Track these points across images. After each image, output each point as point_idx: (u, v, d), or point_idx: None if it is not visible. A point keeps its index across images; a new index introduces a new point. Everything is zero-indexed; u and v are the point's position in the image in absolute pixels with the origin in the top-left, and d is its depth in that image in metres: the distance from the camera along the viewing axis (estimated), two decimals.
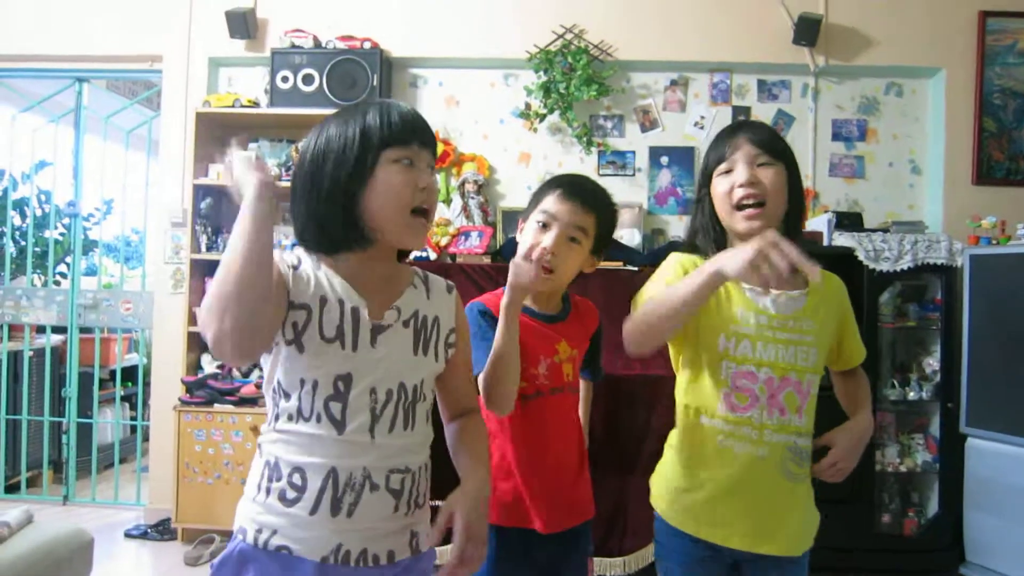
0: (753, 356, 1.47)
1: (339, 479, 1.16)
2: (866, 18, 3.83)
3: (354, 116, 1.22)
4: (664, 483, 1.58)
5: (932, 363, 3.50)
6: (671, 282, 1.44)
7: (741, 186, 1.46)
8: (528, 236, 1.67)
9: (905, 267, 3.34)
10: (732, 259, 1.25)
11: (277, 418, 1.21)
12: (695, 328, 1.50)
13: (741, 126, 1.55)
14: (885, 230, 3.50)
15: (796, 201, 1.52)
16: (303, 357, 1.18)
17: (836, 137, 3.95)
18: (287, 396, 1.20)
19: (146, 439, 4.11)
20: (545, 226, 1.64)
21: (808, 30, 3.72)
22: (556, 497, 1.67)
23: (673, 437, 1.60)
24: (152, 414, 4.01)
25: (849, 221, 3.57)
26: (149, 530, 3.68)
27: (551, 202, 1.66)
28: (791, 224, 1.52)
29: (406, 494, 1.22)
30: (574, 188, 1.67)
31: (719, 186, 1.50)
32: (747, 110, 3.95)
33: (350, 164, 1.19)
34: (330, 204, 1.20)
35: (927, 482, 3.53)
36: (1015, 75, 3.82)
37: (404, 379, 1.23)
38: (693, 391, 1.53)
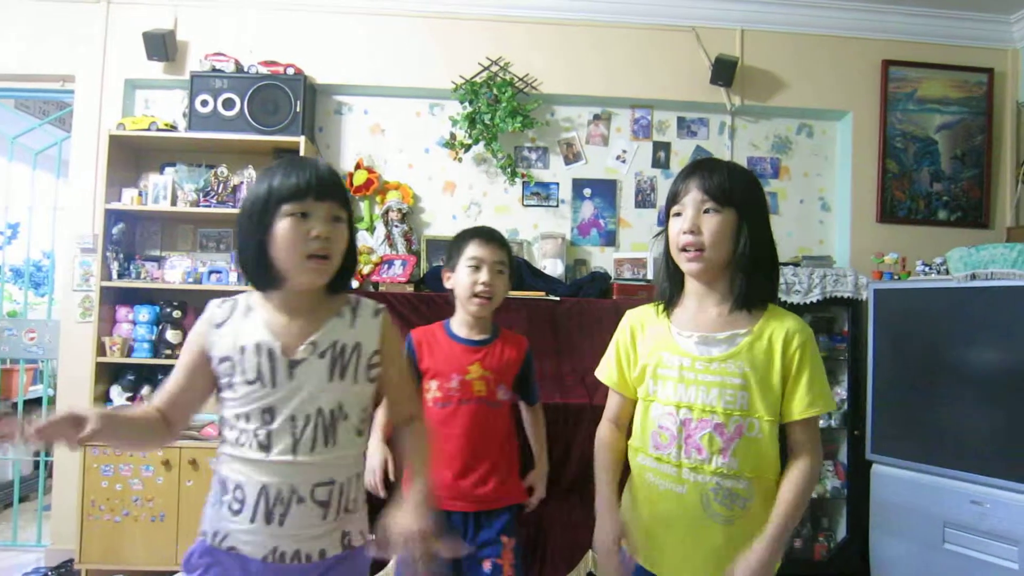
0: (673, 397, 1.54)
1: (270, 494, 1.38)
2: (779, 62, 4.01)
3: (268, 175, 1.42)
4: (623, 513, 1.67)
5: (840, 392, 3.64)
6: (611, 366, 1.70)
7: (684, 232, 1.53)
8: (464, 278, 2.14)
9: (814, 299, 3.49)
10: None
11: (224, 443, 1.44)
12: (633, 374, 1.64)
13: (696, 169, 1.56)
14: (796, 264, 3.64)
15: (755, 242, 1.52)
16: (235, 397, 1.41)
17: None
18: (229, 427, 1.43)
19: (49, 476, 3.90)
20: (476, 268, 2.13)
21: (725, 71, 3.87)
22: (461, 483, 2.09)
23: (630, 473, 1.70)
24: (56, 449, 3.81)
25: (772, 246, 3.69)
26: (50, 572, 3.49)
27: (475, 248, 2.15)
28: (744, 264, 1.52)
29: (334, 503, 1.43)
30: (490, 234, 2.20)
31: (671, 227, 1.58)
32: (667, 145, 4.07)
33: (256, 219, 1.40)
34: (247, 253, 1.43)
35: (836, 507, 3.66)
36: (915, 120, 4.05)
37: (321, 404, 1.41)
38: (636, 431, 1.64)
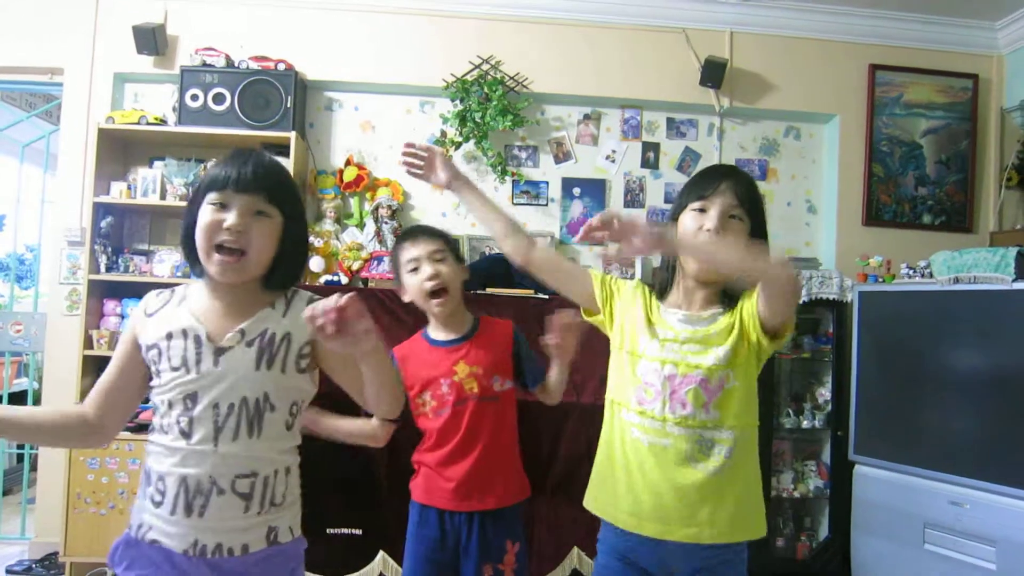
0: (659, 355, 1.58)
1: (189, 485, 1.36)
2: (768, 65, 4.05)
3: (214, 165, 1.45)
4: (593, 478, 1.72)
5: (824, 393, 3.68)
6: (600, 275, 1.74)
7: (708, 231, 1.55)
8: (412, 283, 2.09)
9: (800, 301, 3.51)
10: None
11: (152, 431, 1.42)
12: (622, 335, 1.66)
13: (729, 174, 1.61)
14: None
15: None
16: (161, 383, 1.40)
17: None
18: (156, 413, 1.42)
19: (33, 469, 3.89)
20: (415, 269, 2.07)
21: (714, 73, 3.90)
22: (460, 482, 2.05)
23: (602, 432, 1.71)
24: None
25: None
26: (34, 565, 3.48)
27: (407, 250, 2.10)
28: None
29: (257, 496, 1.40)
30: (414, 231, 2.18)
31: (689, 220, 1.60)
32: (656, 146, 4.10)
33: (190, 206, 1.43)
34: (183, 238, 1.44)
35: (819, 507, 3.70)
36: (900, 125, 4.10)
37: (246, 393, 1.39)
38: (616, 389, 1.67)
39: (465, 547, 2.07)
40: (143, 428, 3.35)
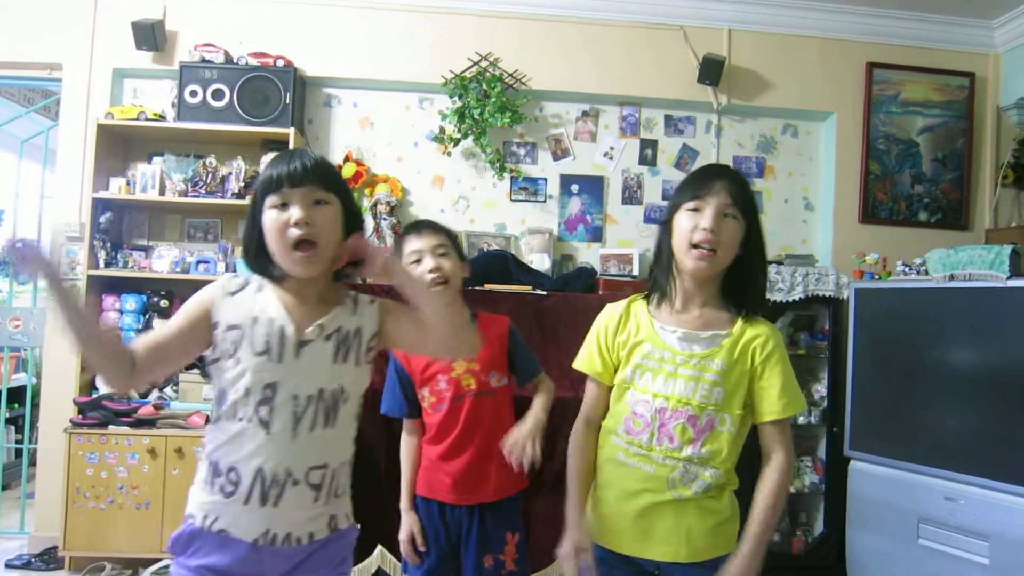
0: (651, 387, 1.60)
1: (266, 475, 1.40)
2: (765, 62, 4.06)
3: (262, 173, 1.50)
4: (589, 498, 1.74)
5: (820, 389, 3.70)
6: (592, 355, 1.72)
7: (704, 230, 1.56)
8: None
9: (797, 298, 3.54)
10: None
11: (218, 420, 1.45)
12: (614, 360, 1.68)
13: (723, 173, 1.63)
14: (779, 262, 3.69)
15: (753, 252, 1.62)
16: (239, 368, 1.42)
17: None
18: (224, 401, 1.43)
19: (33, 463, 3.90)
20: (418, 261, 2.09)
21: (712, 70, 3.91)
22: (460, 477, 2.10)
23: (599, 456, 1.74)
24: (40, 437, 3.79)
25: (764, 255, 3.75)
26: (33, 559, 3.49)
27: (411, 243, 2.12)
28: (742, 269, 1.62)
29: (325, 487, 1.46)
30: (419, 225, 2.18)
31: (683, 221, 1.60)
32: (655, 143, 4.11)
33: (251, 218, 1.48)
34: (249, 251, 1.50)
35: (814, 502, 3.72)
36: (897, 123, 4.11)
37: (324, 385, 1.45)
38: (611, 414, 1.69)
39: (466, 539, 2.12)
40: (143, 423, 3.39)
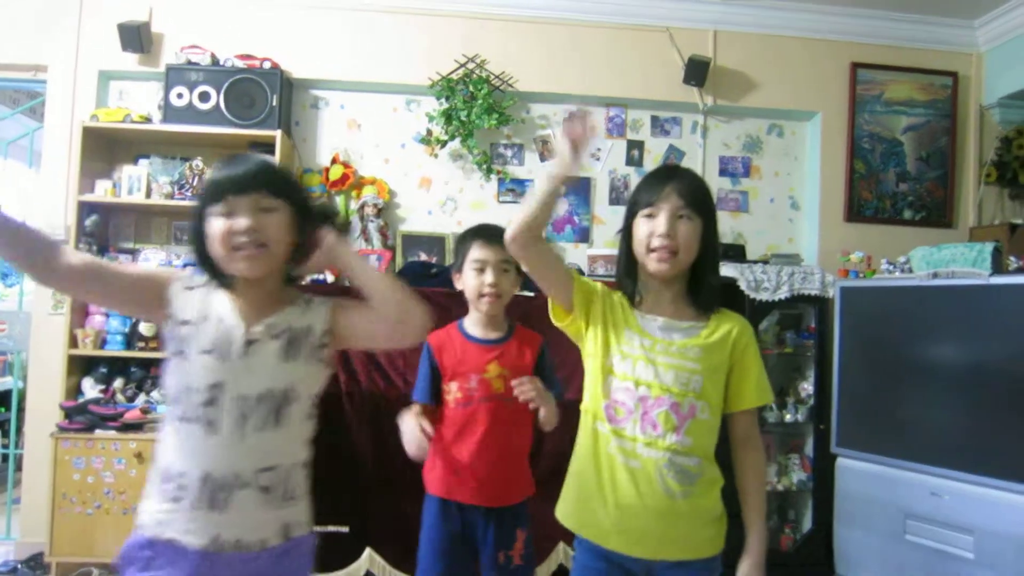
0: (632, 374, 1.61)
1: (214, 479, 1.37)
2: (750, 63, 4.08)
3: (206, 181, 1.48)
4: (567, 490, 1.74)
5: (807, 387, 3.72)
6: (583, 279, 1.71)
7: (659, 236, 1.58)
8: (470, 280, 2.17)
9: (783, 297, 3.56)
10: (558, 164, 1.53)
11: (168, 421, 1.42)
12: (595, 344, 1.67)
13: (672, 176, 1.63)
14: (765, 262, 3.71)
15: (709, 249, 1.64)
16: (185, 366, 1.41)
17: (723, 173, 4.17)
18: (175, 402, 1.42)
19: (19, 468, 3.87)
20: (481, 270, 2.14)
21: (697, 71, 3.93)
22: (484, 480, 2.13)
23: (578, 440, 1.73)
24: (26, 441, 3.77)
25: (733, 253, 3.78)
26: (20, 566, 3.46)
27: (478, 250, 2.16)
28: (703, 268, 1.65)
29: (277, 490, 1.43)
30: (491, 234, 2.15)
31: (641, 227, 1.63)
32: (641, 144, 4.13)
33: (195, 224, 1.44)
34: (196, 256, 1.47)
35: (802, 500, 3.74)
36: (882, 122, 4.15)
37: (272, 385, 1.43)
38: (591, 399, 1.69)
39: (483, 538, 2.17)
40: (130, 427, 3.38)
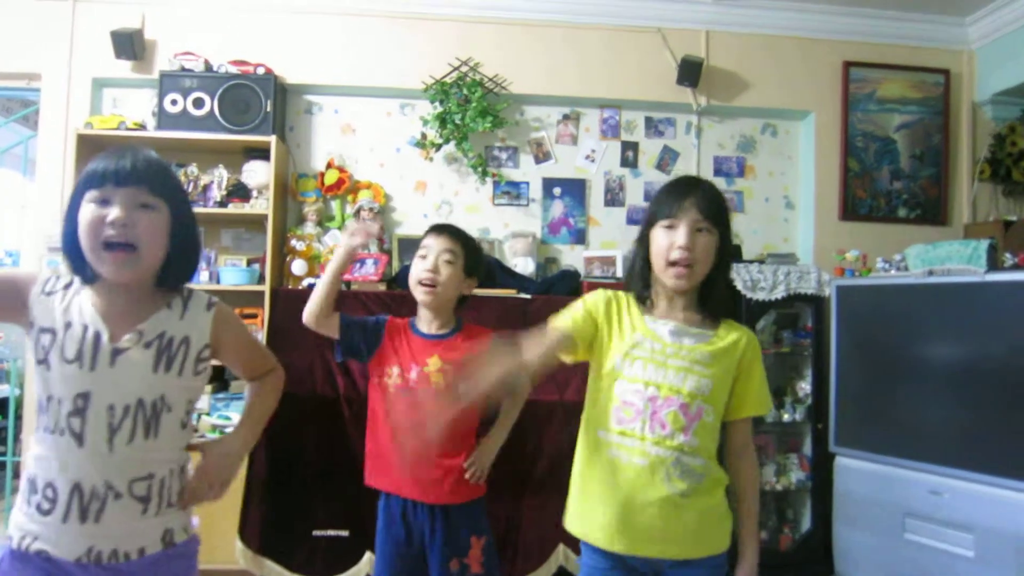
0: (642, 375, 1.63)
1: (84, 490, 1.31)
2: (743, 63, 4.09)
3: (88, 164, 1.39)
4: (571, 499, 1.75)
5: (804, 387, 3.72)
6: (575, 315, 1.71)
7: (680, 248, 1.61)
8: (414, 267, 2.20)
9: (779, 296, 3.56)
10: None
11: (36, 431, 1.36)
12: (599, 351, 1.70)
13: (692, 189, 1.66)
14: (761, 261, 3.71)
15: (722, 261, 1.67)
16: (50, 375, 1.34)
17: (718, 173, 4.17)
18: (41, 411, 1.35)
19: (16, 475, 3.86)
20: (424, 256, 2.18)
21: (691, 72, 3.94)
22: (420, 475, 2.12)
23: (577, 450, 1.75)
24: (24, 449, 3.78)
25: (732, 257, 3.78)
26: None
27: (427, 238, 2.22)
28: (715, 278, 1.67)
29: (154, 498, 1.37)
30: (442, 226, 2.25)
31: (660, 238, 1.65)
32: (635, 145, 4.13)
33: (69, 208, 1.37)
34: (63, 242, 1.39)
35: (801, 499, 3.74)
36: (875, 120, 4.16)
37: (143, 395, 1.36)
38: (593, 407, 1.71)
39: (430, 542, 2.13)
40: None
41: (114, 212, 1.32)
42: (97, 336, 1.35)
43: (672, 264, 1.62)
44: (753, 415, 1.71)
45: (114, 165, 1.34)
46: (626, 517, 1.60)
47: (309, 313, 2.12)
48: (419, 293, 2.18)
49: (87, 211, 1.33)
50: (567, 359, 1.73)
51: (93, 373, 1.33)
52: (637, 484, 1.59)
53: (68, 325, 1.35)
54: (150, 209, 1.36)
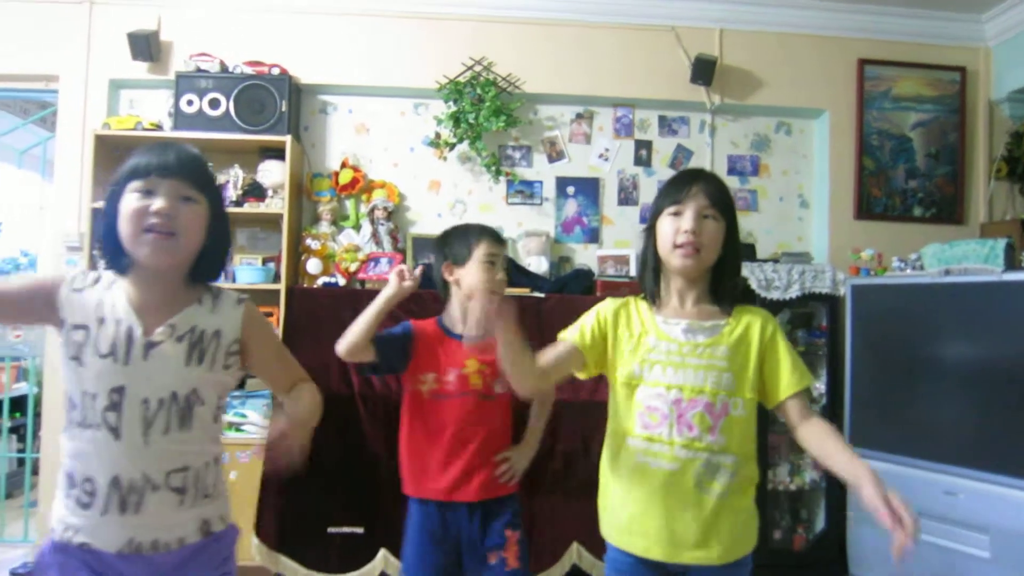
0: (663, 379, 1.62)
1: (122, 483, 1.34)
2: (757, 61, 4.08)
3: (129, 158, 1.43)
4: (601, 504, 1.75)
5: (819, 386, 3.71)
6: (583, 327, 1.71)
7: (685, 232, 1.61)
8: (481, 275, 2.14)
9: (793, 296, 3.55)
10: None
11: (69, 427, 1.38)
12: (613, 362, 1.69)
13: (698, 177, 1.68)
14: (776, 260, 3.70)
15: (731, 250, 1.68)
16: (83, 371, 1.36)
17: (731, 172, 4.16)
18: (73, 407, 1.37)
19: (35, 472, 3.91)
20: (493, 264, 2.17)
21: (704, 70, 3.93)
22: (459, 476, 2.12)
23: (603, 462, 1.75)
24: (43, 445, 3.81)
25: (743, 252, 3.77)
26: None
27: (491, 246, 2.18)
28: (724, 268, 1.68)
29: (191, 489, 1.41)
30: (498, 234, 2.24)
31: (666, 225, 1.66)
32: (649, 144, 4.13)
33: (109, 199, 1.41)
34: (102, 231, 1.43)
35: (815, 499, 3.73)
36: (890, 118, 4.13)
37: (176, 388, 1.39)
38: (616, 415, 1.70)
39: (468, 538, 2.15)
40: None
41: (158, 202, 1.36)
42: (130, 330, 1.37)
43: (678, 247, 1.62)
44: (796, 392, 1.62)
45: (159, 158, 1.39)
46: (662, 524, 1.59)
47: (347, 346, 2.08)
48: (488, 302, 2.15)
49: (130, 200, 1.36)
50: (580, 375, 1.74)
51: (127, 367, 1.36)
52: (670, 490, 1.59)
53: (101, 320, 1.37)
54: (191, 202, 1.41)
